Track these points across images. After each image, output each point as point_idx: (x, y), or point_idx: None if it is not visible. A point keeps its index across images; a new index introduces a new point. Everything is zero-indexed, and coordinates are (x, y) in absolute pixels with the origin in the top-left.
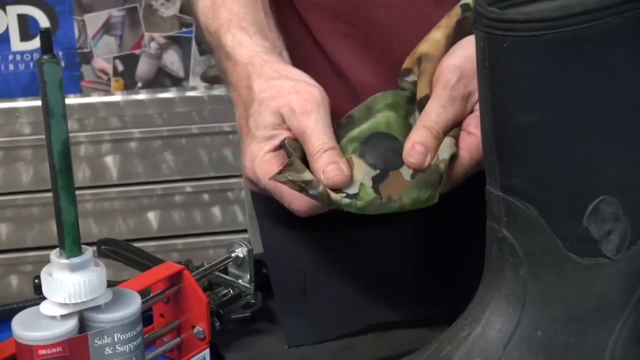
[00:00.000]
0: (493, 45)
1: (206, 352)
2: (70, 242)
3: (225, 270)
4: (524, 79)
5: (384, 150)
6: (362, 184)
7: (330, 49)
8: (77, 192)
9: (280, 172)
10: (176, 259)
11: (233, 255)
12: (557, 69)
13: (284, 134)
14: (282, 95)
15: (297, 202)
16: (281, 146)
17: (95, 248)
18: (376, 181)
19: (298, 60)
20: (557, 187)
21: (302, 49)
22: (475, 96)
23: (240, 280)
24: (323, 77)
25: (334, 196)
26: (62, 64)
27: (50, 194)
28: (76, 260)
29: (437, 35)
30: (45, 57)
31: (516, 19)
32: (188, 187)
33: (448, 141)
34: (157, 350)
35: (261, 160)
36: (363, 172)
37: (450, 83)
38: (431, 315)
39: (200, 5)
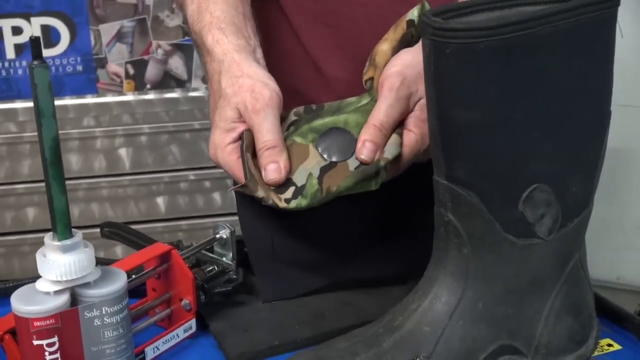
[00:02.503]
0: (437, 51)
1: (192, 322)
2: (61, 226)
3: (211, 250)
4: (465, 81)
5: (338, 144)
6: (310, 174)
7: (310, 47)
8: (94, 181)
9: (239, 186)
10: (181, 238)
11: (218, 236)
12: (494, 72)
13: (241, 127)
14: (241, 93)
15: None
16: (239, 139)
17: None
18: (323, 171)
19: (285, 57)
20: (496, 176)
21: (288, 48)
22: (416, 96)
23: (224, 258)
24: (304, 72)
25: (282, 205)
26: (80, 68)
27: (70, 182)
28: (67, 242)
29: (385, 47)
30: (35, 62)
31: (457, 28)
32: (191, 175)
33: (395, 140)
34: (149, 320)
35: (223, 151)
36: (315, 162)
37: (395, 86)
38: (384, 275)
39: (189, 10)
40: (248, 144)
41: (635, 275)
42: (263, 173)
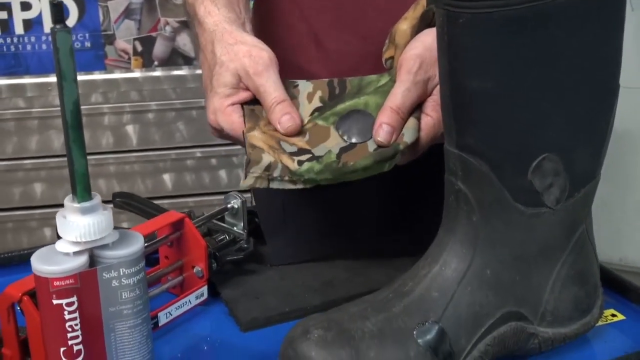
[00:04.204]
0: (451, 20)
1: (204, 289)
2: (81, 188)
3: (222, 219)
4: (477, 50)
5: (357, 125)
6: (330, 151)
7: (312, 21)
8: (101, 157)
9: (246, 176)
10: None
11: (229, 206)
12: (506, 42)
13: (241, 93)
14: (238, 59)
15: None
16: (239, 102)
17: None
18: (342, 151)
19: (287, 33)
20: (505, 145)
21: (290, 23)
22: (434, 80)
23: (235, 228)
24: (306, 47)
25: (294, 167)
26: (89, 44)
27: None
28: (86, 204)
29: (404, 26)
30: (57, 26)
31: None
32: (198, 152)
33: (413, 124)
34: (162, 287)
35: (223, 112)
36: (335, 142)
37: (413, 70)
38: (391, 248)
39: None
40: (250, 126)
41: (639, 256)
42: (278, 126)
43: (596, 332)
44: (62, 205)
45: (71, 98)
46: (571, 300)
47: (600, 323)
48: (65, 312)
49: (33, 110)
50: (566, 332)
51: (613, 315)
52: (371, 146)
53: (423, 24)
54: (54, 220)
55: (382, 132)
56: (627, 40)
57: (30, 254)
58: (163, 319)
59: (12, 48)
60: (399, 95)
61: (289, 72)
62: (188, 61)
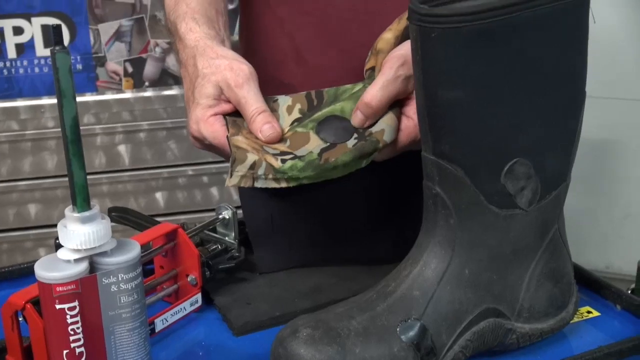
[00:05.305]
0: (424, 35)
1: (198, 296)
2: (81, 199)
3: (214, 229)
4: (449, 63)
5: (335, 128)
6: (311, 152)
7: (293, 37)
8: (94, 177)
9: (231, 175)
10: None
11: (220, 216)
12: (476, 55)
13: (222, 104)
14: (220, 72)
15: None
16: (221, 114)
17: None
18: (323, 150)
19: (269, 50)
20: (479, 151)
21: (272, 39)
22: None
23: (226, 238)
24: (286, 62)
25: (278, 164)
26: (80, 67)
27: None
28: (86, 214)
29: (388, 35)
30: (57, 47)
31: (442, 14)
32: (190, 170)
33: (393, 123)
34: (157, 295)
35: (205, 122)
36: (316, 144)
37: (396, 66)
38: (376, 254)
39: (166, 0)
40: (233, 132)
41: (624, 264)
42: (259, 134)
43: (572, 328)
44: (55, 226)
45: (70, 114)
46: (546, 298)
47: (576, 319)
48: (68, 316)
49: (26, 132)
50: (543, 328)
51: (588, 312)
52: (350, 145)
53: (406, 36)
54: (49, 241)
55: (355, 117)
56: (617, 54)
57: (30, 267)
58: (159, 325)
59: (5, 72)
60: (378, 85)
61: (271, 86)
62: (178, 81)
